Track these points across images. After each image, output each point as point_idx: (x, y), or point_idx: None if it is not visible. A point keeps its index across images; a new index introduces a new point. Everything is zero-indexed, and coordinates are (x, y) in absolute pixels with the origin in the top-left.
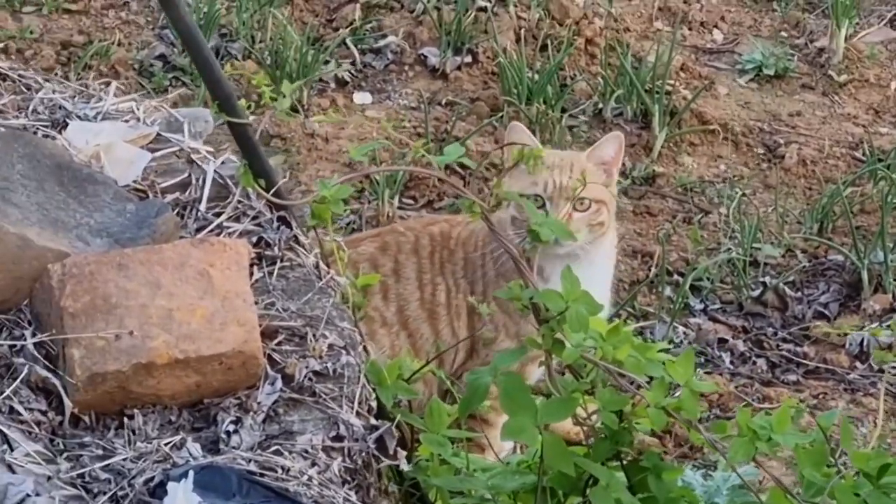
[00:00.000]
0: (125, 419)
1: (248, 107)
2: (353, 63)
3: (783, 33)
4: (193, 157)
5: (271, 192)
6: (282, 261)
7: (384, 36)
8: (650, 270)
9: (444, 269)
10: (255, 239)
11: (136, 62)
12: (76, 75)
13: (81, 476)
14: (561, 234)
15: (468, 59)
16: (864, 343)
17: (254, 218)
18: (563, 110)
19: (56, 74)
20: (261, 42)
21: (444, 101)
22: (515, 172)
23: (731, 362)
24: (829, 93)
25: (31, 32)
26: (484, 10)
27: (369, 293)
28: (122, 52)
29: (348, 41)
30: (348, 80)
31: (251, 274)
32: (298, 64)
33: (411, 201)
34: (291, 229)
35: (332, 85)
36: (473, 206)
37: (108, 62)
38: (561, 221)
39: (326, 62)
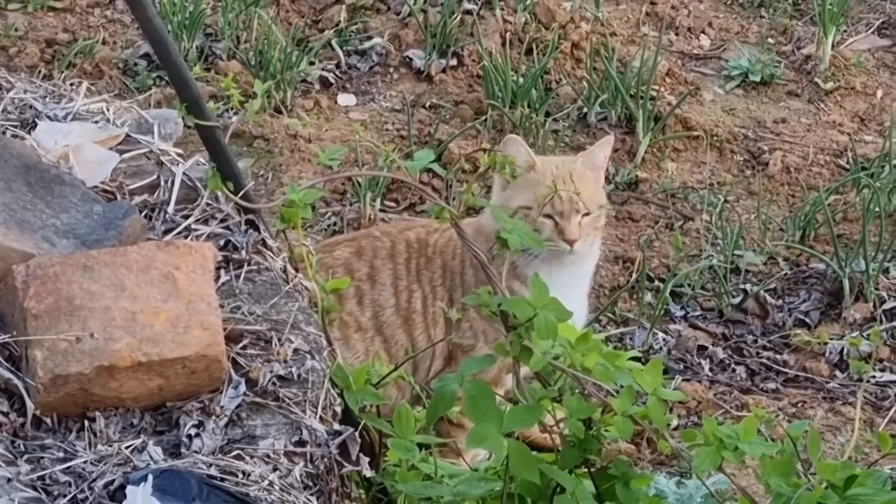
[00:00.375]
0: (87, 421)
1: (231, 108)
2: (337, 65)
3: (770, 40)
4: (163, 158)
5: (239, 195)
6: (249, 264)
7: (369, 38)
8: (631, 276)
9: (421, 276)
10: (222, 242)
11: (121, 61)
12: (60, 73)
13: (42, 478)
14: (530, 243)
15: (453, 61)
16: (844, 352)
17: (222, 221)
18: (548, 114)
19: (39, 72)
20: (246, 42)
21: (428, 104)
22: (518, 186)
23: (711, 369)
24: (815, 100)
25: (16, 30)
26: (470, 13)
27: (344, 298)
28: (106, 50)
29: (333, 42)
30: (332, 81)
31: (218, 277)
32: (283, 65)
33: (393, 204)
34: (259, 233)
35: (317, 86)
36: (443, 213)
37: (93, 61)
38: (537, 232)
39: (311, 63)
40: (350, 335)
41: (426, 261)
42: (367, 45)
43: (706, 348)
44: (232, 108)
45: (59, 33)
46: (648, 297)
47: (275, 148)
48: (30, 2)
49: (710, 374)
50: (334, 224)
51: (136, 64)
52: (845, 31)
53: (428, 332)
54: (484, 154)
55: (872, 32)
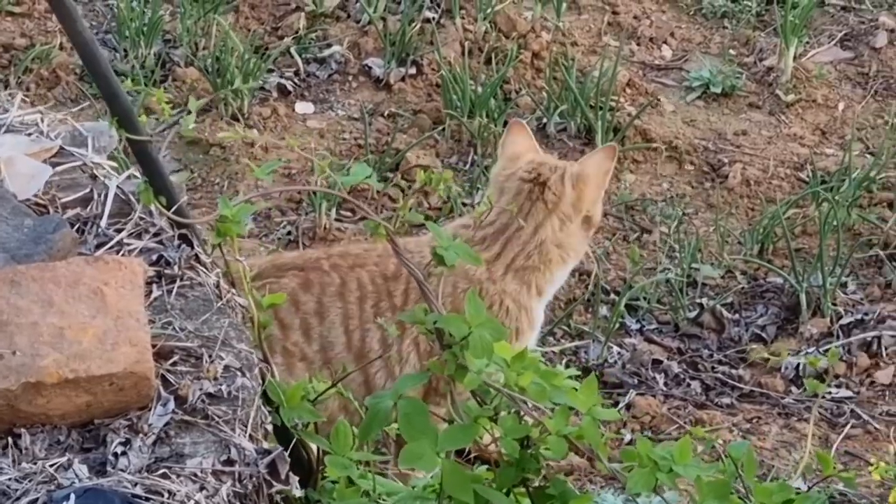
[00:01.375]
0: (13, 438)
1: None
2: (296, 72)
3: (732, 51)
4: (96, 172)
5: (172, 209)
6: (181, 280)
7: (329, 45)
8: (587, 288)
9: (383, 317)
10: (155, 257)
11: (78, 67)
12: (16, 79)
13: None
14: (468, 260)
15: (412, 70)
16: (800, 367)
17: (155, 235)
18: (506, 124)
19: None
20: (204, 49)
21: (386, 113)
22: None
23: (666, 384)
24: (776, 112)
25: None
26: (430, 21)
27: (289, 328)
28: (63, 56)
29: (292, 50)
30: (291, 89)
31: (150, 293)
32: (241, 72)
33: (349, 213)
34: (193, 248)
35: (275, 94)
36: (379, 229)
37: (50, 66)
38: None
39: (270, 71)
40: (294, 363)
41: (390, 307)
42: (326, 52)
43: (661, 362)
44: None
45: (17, 38)
46: (604, 310)
47: (231, 156)
48: None
49: (664, 388)
50: (289, 234)
51: None
52: (807, 42)
53: (390, 369)
54: (420, 171)
55: (835, 44)
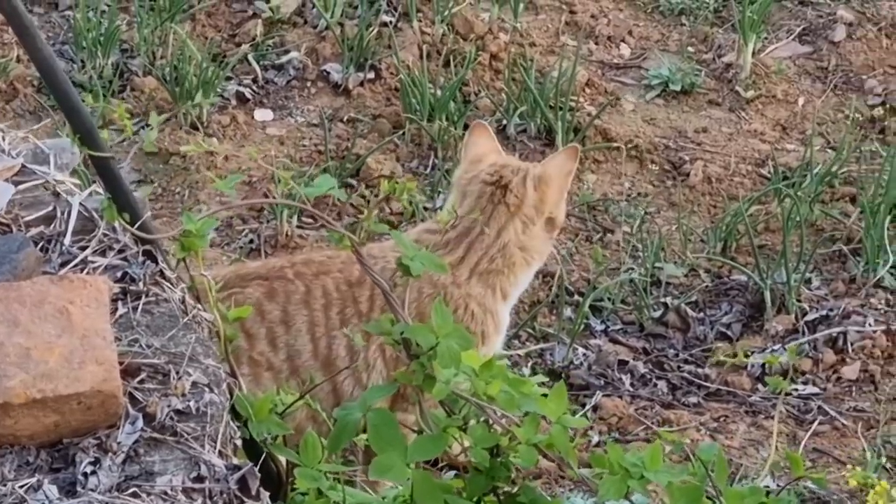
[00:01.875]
0: None
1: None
2: (254, 79)
3: (690, 48)
4: (59, 189)
5: (136, 225)
6: (147, 296)
7: (286, 52)
8: (551, 290)
9: (349, 323)
10: (119, 274)
11: (36, 79)
12: None
13: None
14: (433, 268)
15: (371, 75)
16: (766, 365)
17: (119, 252)
18: (466, 127)
19: None
20: (162, 58)
21: (345, 118)
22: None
23: (632, 384)
24: (736, 109)
25: None
26: (387, 24)
27: (255, 338)
28: (21, 68)
29: (250, 57)
30: (249, 96)
31: (115, 310)
32: (199, 80)
33: (311, 220)
34: (157, 264)
35: (233, 102)
36: (343, 240)
37: (7, 79)
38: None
39: (228, 78)
40: (261, 373)
41: (356, 313)
42: (283, 59)
43: (627, 363)
44: (147, 126)
45: None
46: (568, 311)
47: (191, 165)
48: None
49: (631, 389)
50: (251, 242)
51: None
52: (766, 38)
53: (357, 376)
54: (384, 181)
55: (793, 39)
